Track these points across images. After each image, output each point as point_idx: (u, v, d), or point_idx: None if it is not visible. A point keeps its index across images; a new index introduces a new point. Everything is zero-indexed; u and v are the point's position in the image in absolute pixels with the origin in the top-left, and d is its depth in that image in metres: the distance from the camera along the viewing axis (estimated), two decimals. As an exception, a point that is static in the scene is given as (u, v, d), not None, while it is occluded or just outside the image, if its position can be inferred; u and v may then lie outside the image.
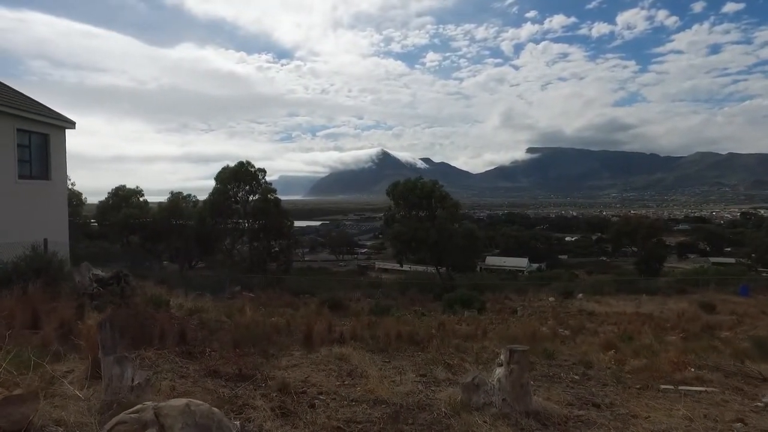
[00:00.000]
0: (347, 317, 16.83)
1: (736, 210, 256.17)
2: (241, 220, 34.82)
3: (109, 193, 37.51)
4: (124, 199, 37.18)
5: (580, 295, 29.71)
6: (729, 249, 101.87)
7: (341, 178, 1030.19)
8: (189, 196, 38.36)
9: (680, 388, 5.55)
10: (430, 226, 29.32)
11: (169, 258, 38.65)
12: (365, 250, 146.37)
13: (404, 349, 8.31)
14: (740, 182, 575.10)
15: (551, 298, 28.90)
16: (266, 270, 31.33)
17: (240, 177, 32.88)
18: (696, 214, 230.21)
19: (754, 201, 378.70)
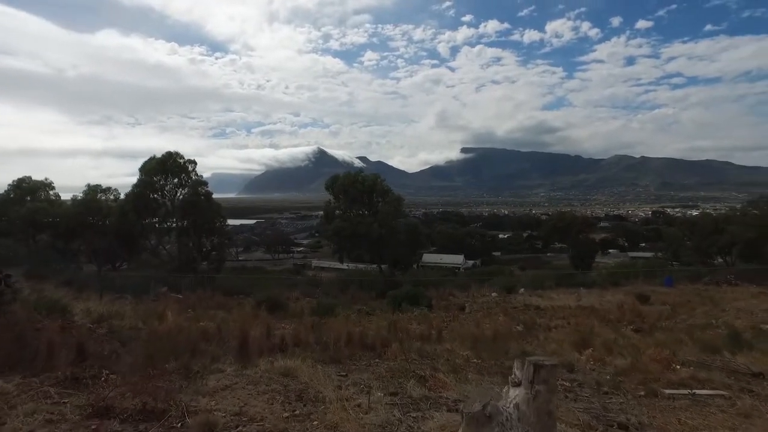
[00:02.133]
0: (288, 319, 15.36)
1: (648, 209, 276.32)
2: (168, 217, 31.85)
3: (9, 185, 33.09)
4: (29, 192, 32.96)
5: (522, 290, 29.83)
6: (644, 244, 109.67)
7: (276, 176, 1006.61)
8: (109, 189, 34.62)
9: (694, 392, 4.76)
10: (372, 221, 28.17)
11: (90, 258, 34.89)
12: (302, 248, 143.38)
13: (359, 356, 7.09)
14: (651, 183, 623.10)
15: (494, 294, 28.76)
16: (196, 269, 28.84)
17: (168, 168, 29.86)
18: (615, 213, 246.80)
19: (662, 201, 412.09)
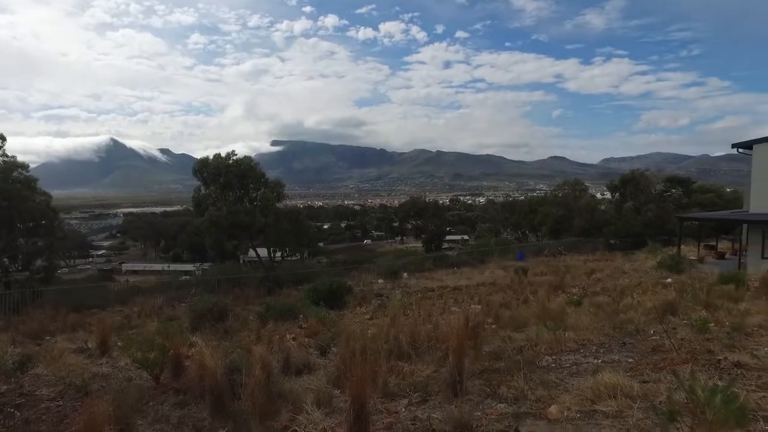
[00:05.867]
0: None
1: (446, 197, 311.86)
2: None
3: None
4: None
5: (405, 274, 29.83)
6: (450, 228, 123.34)
7: (58, 171, 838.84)
8: None
9: None
10: (254, 209, 24.65)
11: None
12: (103, 251, 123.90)
13: None
14: (445, 175, 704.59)
15: (380, 280, 28.13)
16: (9, 283, 21.32)
17: (-42, 145, 20.88)
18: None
19: (454, 190, 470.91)
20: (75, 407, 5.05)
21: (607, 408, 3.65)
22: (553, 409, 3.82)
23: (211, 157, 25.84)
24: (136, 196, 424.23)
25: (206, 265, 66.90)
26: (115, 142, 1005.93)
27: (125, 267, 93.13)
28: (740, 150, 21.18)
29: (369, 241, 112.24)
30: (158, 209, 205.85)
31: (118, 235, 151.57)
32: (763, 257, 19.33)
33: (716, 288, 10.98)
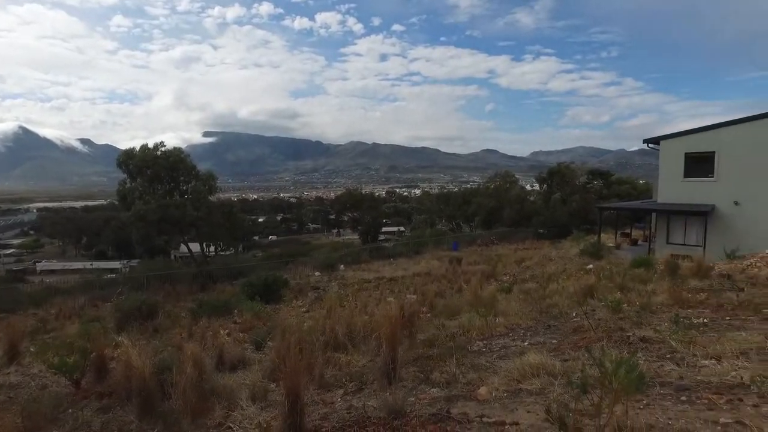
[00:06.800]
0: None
1: (382, 189, 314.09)
2: None
3: None
4: None
5: (342, 266, 29.86)
6: (386, 220, 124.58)
7: None
8: None
9: None
10: (185, 202, 23.55)
11: None
12: (12, 250, 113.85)
13: None
14: (381, 167, 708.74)
15: (317, 273, 27.99)
16: None
17: None
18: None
19: (390, 182, 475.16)
20: (-28, 423, 4.63)
21: (532, 386, 3.89)
22: (482, 390, 4.01)
23: (137, 148, 24.43)
24: (51, 190, 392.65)
25: (134, 262, 63.50)
26: (24, 130, 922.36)
27: (40, 266, 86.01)
28: (650, 145, 22.96)
29: (274, 237, 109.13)
30: (78, 203, 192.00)
31: (31, 232, 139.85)
32: (668, 242, 21.18)
33: (630, 272, 11.93)
